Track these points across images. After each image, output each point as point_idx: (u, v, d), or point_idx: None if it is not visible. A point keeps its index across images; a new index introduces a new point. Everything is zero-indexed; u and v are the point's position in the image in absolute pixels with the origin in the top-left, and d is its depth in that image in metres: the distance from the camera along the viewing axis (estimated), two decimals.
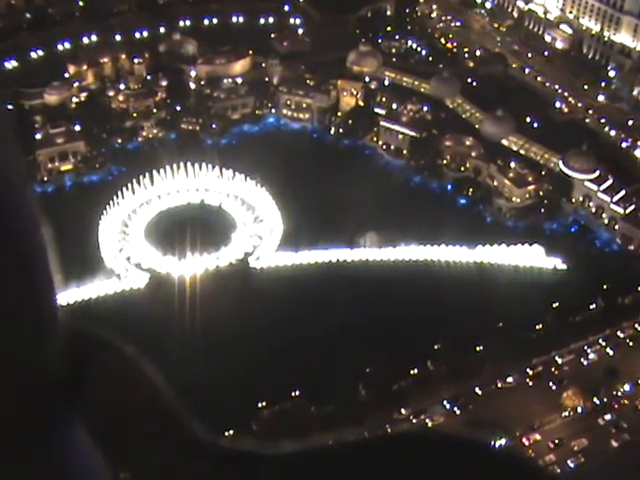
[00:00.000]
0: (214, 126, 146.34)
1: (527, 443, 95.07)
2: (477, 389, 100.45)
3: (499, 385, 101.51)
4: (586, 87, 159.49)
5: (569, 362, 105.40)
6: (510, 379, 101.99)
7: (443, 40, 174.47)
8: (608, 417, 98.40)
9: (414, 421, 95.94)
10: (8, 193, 3.94)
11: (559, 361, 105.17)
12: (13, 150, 4.09)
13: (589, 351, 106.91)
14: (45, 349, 4.23)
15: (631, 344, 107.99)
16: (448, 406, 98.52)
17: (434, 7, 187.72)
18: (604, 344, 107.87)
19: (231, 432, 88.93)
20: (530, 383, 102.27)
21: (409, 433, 4.10)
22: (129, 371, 4.50)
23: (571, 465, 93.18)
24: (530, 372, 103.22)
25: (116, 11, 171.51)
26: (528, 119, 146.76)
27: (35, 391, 4.21)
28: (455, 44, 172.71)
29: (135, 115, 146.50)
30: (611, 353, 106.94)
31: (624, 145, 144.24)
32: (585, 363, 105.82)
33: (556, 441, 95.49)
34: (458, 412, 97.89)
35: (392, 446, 4.03)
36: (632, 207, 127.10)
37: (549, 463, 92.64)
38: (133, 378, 4.48)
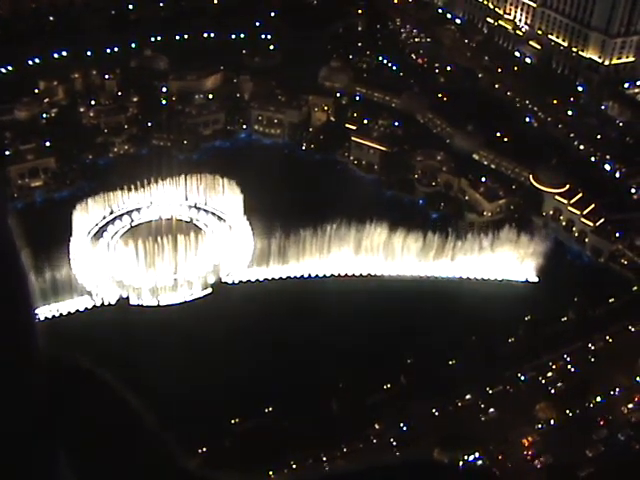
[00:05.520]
0: (185, 142, 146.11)
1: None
2: (449, 403, 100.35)
3: (472, 398, 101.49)
4: (555, 102, 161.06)
5: (541, 374, 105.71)
6: (482, 392, 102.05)
7: (414, 56, 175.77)
8: None
9: (387, 436, 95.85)
10: None
11: (531, 373, 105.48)
12: None
13: (561, 363, 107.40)
14: (27, 382, 4.17)
15: (602, 355, 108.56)
16: (420, 420, 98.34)
17: (405, 23, 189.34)
18: (576, 356, 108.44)
19: (204, 449, 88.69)
20: (503, 396, 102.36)
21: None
22: (113, 402, 4.45)
23: None
24: (502, 385, 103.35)
25: (87, 26, 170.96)
26: (498, 134, 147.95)
27: (16, 422, 4.14)
28: (426, 59, 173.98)
29: (106, 131, 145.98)
30: (583, 365, 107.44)
31: (593, 159, 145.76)
32: (557, 375, 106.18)
33: None
34: (430, 426, 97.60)
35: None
36: (602, 220, 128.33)
37: None
38: (118, 409, 4.44)
